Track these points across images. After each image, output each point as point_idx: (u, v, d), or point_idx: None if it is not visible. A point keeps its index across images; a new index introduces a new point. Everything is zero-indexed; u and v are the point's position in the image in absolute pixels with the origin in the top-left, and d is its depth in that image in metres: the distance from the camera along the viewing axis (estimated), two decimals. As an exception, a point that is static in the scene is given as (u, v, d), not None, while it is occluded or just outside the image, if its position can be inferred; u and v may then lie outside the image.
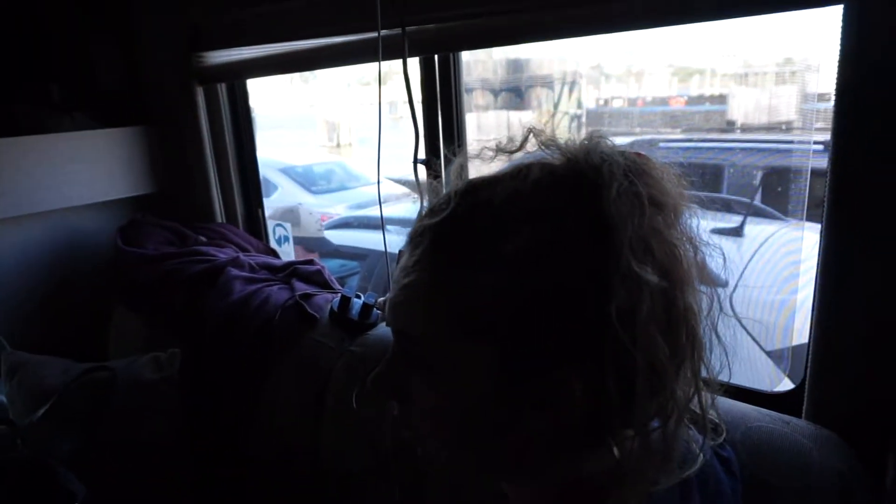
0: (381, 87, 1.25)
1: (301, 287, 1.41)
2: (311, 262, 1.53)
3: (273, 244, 1.82)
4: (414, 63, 1.42)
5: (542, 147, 0.53)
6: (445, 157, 1.43)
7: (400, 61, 1.25)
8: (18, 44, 1.64)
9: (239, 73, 1.69)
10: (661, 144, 3.28)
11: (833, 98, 0.86)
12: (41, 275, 1.74)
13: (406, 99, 1.22)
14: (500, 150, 0.57)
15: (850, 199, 0.86)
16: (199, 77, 1.70)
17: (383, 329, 1.27)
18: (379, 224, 2.39)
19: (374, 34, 1.27)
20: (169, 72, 1.70)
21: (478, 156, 0.58)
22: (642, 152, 0.52)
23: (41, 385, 1.41)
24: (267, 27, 1.52)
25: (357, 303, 1.30)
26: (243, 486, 1.30)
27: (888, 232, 0.84)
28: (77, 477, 1.22)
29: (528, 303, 0.46)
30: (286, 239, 1.87)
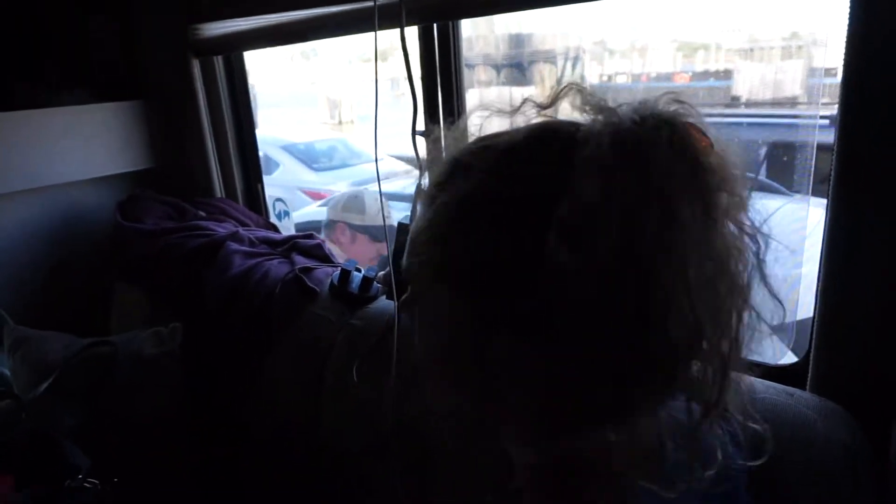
0: (378, 58, 1.22)
1: (301, 261, 1.40)
2: (310, 235, 1.52)
3: (273, 219, 1.81)
4: (413, 35, 1.39)
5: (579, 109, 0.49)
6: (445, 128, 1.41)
7: (399, 36, 1.23)
8: (14, 20, 1.62)
9: (235, 45, 1.67)
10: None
11: (840, 73, 0.84)
12: (42, 250, 1.73)
13: (405, 72, 1.20)
14: (534, 104, 0.54)
15: (856, 174, 0.85)
16: (196, 49, 1.67)
17: (383, 302, 1.26)
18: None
19: (371, 2, 1.24)
20: (165, 45, 1.67)
21: (511, 111, 0.55)
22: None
23: (44, 360, 1.41)
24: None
25: (357, 276, 1.29)
26: (242, 462, 1.31)
27: (894, 206, 0.83)
28: (81, 450, 1.22)
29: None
30: (286, 214, 1.86)
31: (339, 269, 1.30)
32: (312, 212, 3.46)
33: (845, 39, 0.82)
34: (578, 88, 0.51)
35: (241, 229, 1.51)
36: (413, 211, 1.23)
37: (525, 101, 0.54)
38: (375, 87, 1.20)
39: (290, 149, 5.42)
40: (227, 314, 1.36)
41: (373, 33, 1.21)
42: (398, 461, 1.07)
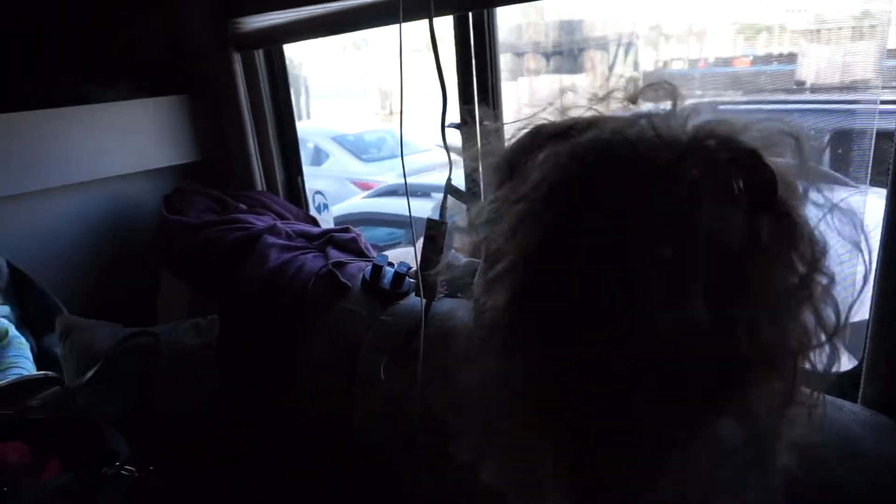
0: (402, 48, 1.20)
1: (335, 255, 1.40)
2: (346, 229, 1.52)
3: (313, 211, 1.82)
4: (448, 25, 1.36)
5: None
6: (480, 121, 1.37)
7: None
8: (61, 15, 1.67)
9: (274, 39, 1.68)
10: (721, 107, 3.09)
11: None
12: (94, 241, 1.80)
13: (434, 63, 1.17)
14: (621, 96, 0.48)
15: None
16: (237, 43, 1.69)
17: (414, 299, 1.24)
18: (426, 192, 2.34)
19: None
20: (207, 39, 1.69)
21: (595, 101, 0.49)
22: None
23: (91, 348, 1.46)
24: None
25: (389, 272, 1.28)
26: (280, 455, 1.32)
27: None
28: (123, 438, 1.26)
29: None
30: (325, 207, 1.87)
31: (371, 264, 1.29)
32: (357, 203, 3.49)
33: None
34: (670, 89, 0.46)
35: (278, 222, 1.52)
36: (443, 207, 1.20)
37: (609, 93, 0.49)
38: (401, 82, 1.18)
39: (340, 140, 5.48)
40: (262, 307, 1.37)
41: (421, 21, 1.19)
42: (425, 456, 1.05)
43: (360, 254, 1.43)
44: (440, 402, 0.97)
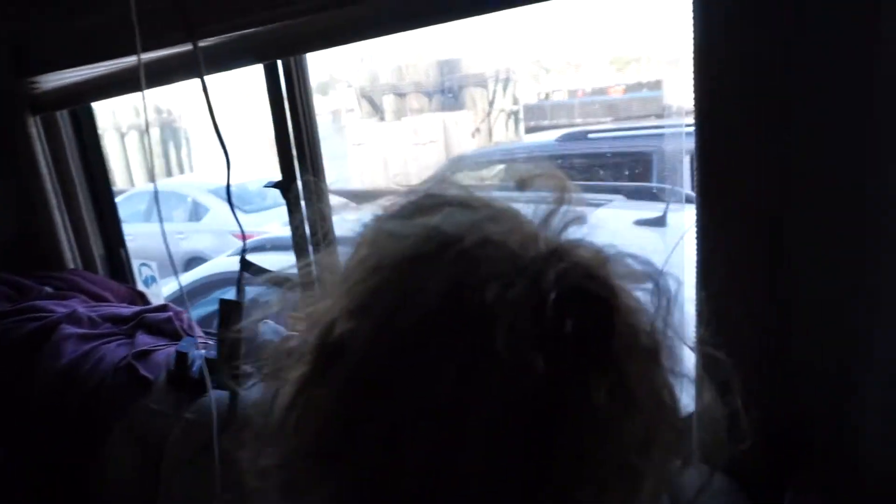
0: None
1: (143, 342, 1.22)
2: (164, 307, 1.34)
3: (140, 286, 1.62)
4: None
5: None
6: (303, 181, 1.25)
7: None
8: None
9: (78, 98, 1.49)
10: (591, 136, 3.15)
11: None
12: None
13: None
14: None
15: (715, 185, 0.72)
16: (33, 106, 1.49)
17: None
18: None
19: (191, 47, 1.09)
20: (-4, 103, 1.48)
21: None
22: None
23: None
24: (92, 43, 1.32)
25: (198, 357, 1.11)
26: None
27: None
28: None
29: None
30: (153, 280, 1.67)
31: (175, 350, 1.12)
32: (221, 263, 3.25)
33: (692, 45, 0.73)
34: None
35: (80, 307, 1.32)
36: (238, 285, 1.06)
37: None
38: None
39: (219, 192, 5.23)
40: (58, 409, 1.17)
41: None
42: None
43: (175, 336, 1.26)
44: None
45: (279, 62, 1.20)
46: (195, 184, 5.45)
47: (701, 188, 0.77)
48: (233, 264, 2.99)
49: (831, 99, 0.67)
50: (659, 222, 2.11)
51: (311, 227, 1.22)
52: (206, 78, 1.10)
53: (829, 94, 0.67)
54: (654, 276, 0.37)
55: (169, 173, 7.80)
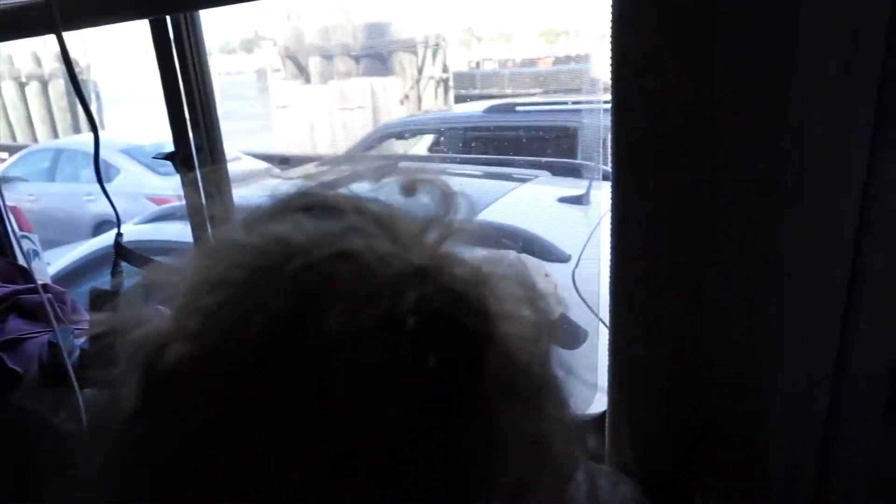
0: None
1: (15, 327, 1.09)
2: (43, 288, 1.20)
3: (21, 260, 1.46)
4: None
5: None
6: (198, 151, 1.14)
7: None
8: None
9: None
10: (518, 109, 3.11)
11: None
12: None
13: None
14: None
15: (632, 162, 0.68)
16: None
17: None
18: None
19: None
20: None
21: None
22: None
23: None
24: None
25: (76, 348, 1.00)
26: None
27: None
28: None
29: None
30: (35, 254, 1.51)
31: (48, 340, 1.00)
32: (129, 231, 3.03)
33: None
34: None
35: (-61, 289, 1.17)
36: (114, 272, 0.96)
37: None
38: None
39: (132, 152, 4.91)
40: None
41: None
42: None
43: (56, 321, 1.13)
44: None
45: (168, 18, 1.07)
46: (105, 142, 5.10)
47: (616, 167, 0.73)
48: (138, 233, 2.80)
49: (752, 87, 0.63)
50: (582, 200, 2.11)
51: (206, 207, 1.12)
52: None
53: (750, 78, 0.63)
54: (537, 301, 0.31)
55: (77, 130, 7.27)
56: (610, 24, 0.69)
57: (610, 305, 0.75)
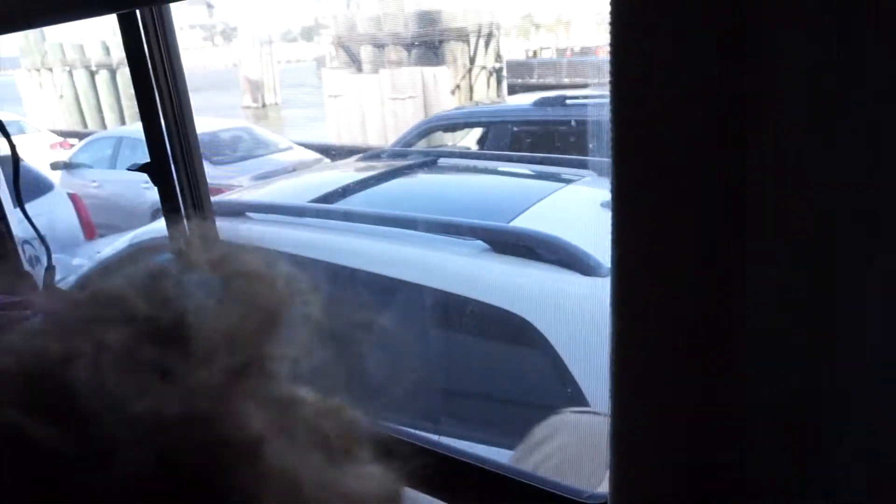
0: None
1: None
2: (17, 304, 1.13)
3: (27, 266, 1.42)
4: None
5: None
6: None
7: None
8: None
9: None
10: (568, 101, 2.90)
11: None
12: None
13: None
14: None
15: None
16: None
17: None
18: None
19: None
20: None
21: None
22: None
23: None
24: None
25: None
26: None
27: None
28: None
29: None
30: (37, 260, 1.47)
31: None
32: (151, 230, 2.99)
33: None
34: None
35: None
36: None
37: None
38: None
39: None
40: None
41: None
42: None
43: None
44: None
45: (140, 25, 0.96)
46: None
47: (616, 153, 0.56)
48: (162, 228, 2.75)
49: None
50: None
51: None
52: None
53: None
54: None
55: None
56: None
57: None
